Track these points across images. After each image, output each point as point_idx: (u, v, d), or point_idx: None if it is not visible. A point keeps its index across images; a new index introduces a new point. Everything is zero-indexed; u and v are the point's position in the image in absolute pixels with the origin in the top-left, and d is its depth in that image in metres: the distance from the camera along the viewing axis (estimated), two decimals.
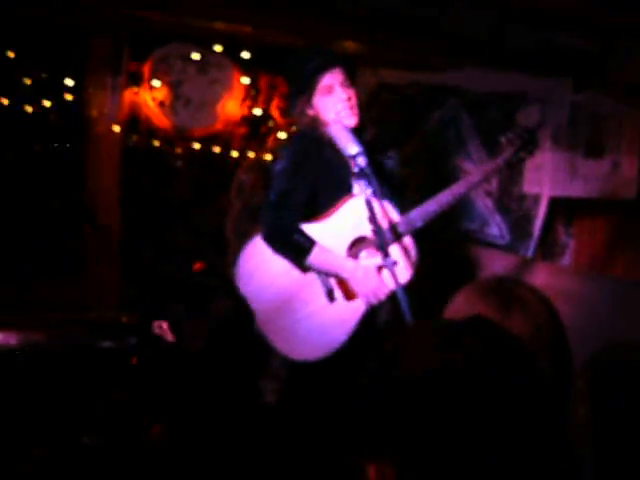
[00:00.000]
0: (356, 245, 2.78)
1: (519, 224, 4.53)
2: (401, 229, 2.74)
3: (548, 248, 4.63)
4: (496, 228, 4.58)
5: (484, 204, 4.53)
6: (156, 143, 4.12)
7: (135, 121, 4.09)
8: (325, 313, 2.75)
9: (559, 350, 1.47)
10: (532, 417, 0.87)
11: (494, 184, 4.45)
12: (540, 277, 3.52)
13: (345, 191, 2.76)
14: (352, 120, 2.73)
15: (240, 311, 2.64)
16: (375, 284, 2.70)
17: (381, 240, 2.33)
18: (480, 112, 4.50)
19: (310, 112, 2.79)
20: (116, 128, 4.01)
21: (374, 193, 2.44)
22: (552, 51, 3.84)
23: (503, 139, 2.93)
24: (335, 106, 2.73)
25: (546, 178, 3.97)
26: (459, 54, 3.90)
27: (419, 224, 2.76)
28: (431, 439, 0.84)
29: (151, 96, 4.06)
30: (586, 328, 3.00)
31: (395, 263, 2.45)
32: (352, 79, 2.80)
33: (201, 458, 2.41)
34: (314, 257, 2.70)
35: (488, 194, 4.64)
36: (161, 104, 4.06)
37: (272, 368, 2.92)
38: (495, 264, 3.78)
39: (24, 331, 3.48)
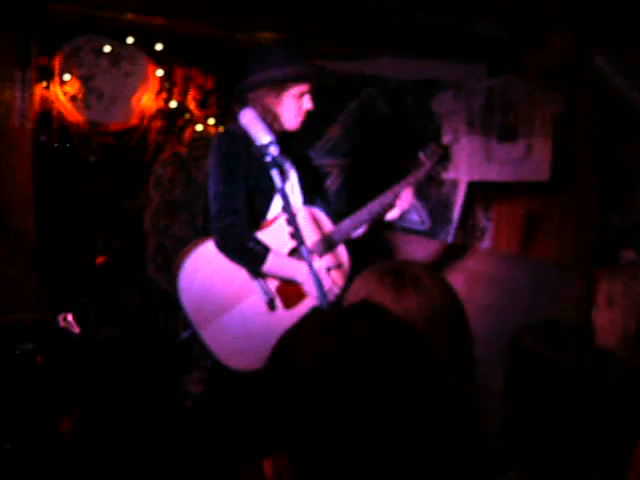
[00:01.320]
0: (293, 254, 2.85)
1: (439, 210, 4.59)
2: (335, 238, 2.90)
3: (468, 232, 4.70)
4: (416, 214, 4.62)
5: None
6: (70, 139, 4.01)
7: (47, 117, 3.97)
8: (265, 322, 2.78)
9: (456, 328, 1.49)
10: (422, 400, 0.87)
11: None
12: (461, 261, 3.57)
13: (268, 195, 2.83)
14: (302, 124, 2.87)
15: (149, 301, 2.61)
16: (328, 284, 2.79)
17: (298, 236, 2.34)
18: (396, 100, 4.53)
19: (273, 106, 2.82)
20: (27, 125, 3.89)
21: (285, 184, 2.46)
22: (465, 37, 3.90)
23: (421, 155, 3.08)
24: (298, 111, 2.83)
25: (463, 163, 4.02)
26: (373, 42, 3.92)
27: (351, 233, 2.93)
28: (322, 427, 0.83)
29: (62, 91, 3.95)
30: (507, 309, 3.07)
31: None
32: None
33: (113, 449, 2.38)
34: (270, 263, 2.74)
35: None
36: (73, 99, 3.96)
37: (196, 358, 2.91)
38: (416, 250, 3.82)
39: None
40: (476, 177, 4.07)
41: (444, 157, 3.04)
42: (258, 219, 2.85)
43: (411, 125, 4.49)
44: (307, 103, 2.84)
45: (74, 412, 2.55)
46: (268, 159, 2.41)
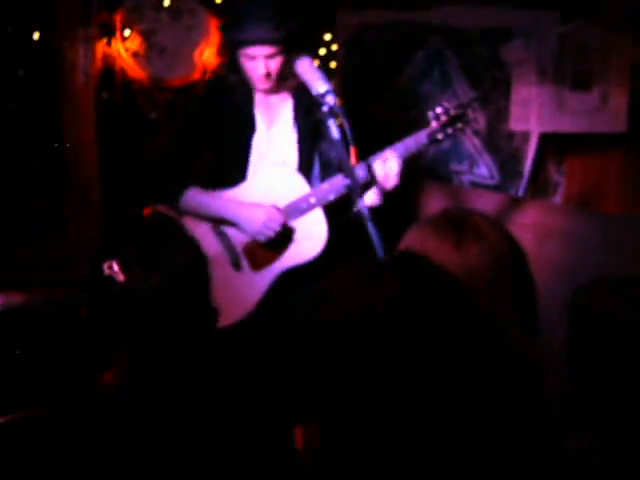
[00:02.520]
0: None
1: (509, 163, 4.43)
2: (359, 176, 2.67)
3: (539, 187, 4.54)
4: (485, 168, 4.48)
5: (472, 144, 4.43)
6: (132, 95, 4.00)
7: (109, 74, 3.96)
8: (232, 281, 2.71)
9: (520, 279, 1.39)
10: (466, 363, 0.78)
11: (482, 122, 4.34)
12: (530, 215, 3.43)
13: (244, 149, 2.76)
14: (265, 86, 2.72)
15: (194, 259, 2.58)
16: (263, 217, 2.66)
17: (353, 180, 2.26)
18: (465, 49, 4.37)
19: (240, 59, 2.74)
20: (90, 82, 3.90)
21: (343, 134, 2.35)
22: None
23: (430, 113, 2.83)
24: (252, 72, 2.70)
25: (533, 114, 3.85)
26: None
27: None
28: (354, 393, 0.75)
29: (124, 47, 3.93)
30: (577, 264, 2.94)
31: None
32: (288, 46, 2.69)
33: (156, 403, 2.38)
34: (189, 199, 2.72)
35: (476, 133, 4.53)
36: (135, 55, 3.94)
37: None
38: (484, 205, 3.69)
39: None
40: (548, 128, 3.89)
41: (456, 118, 2.80)
42: (234, 175, 2.80)
43: (479, 75, 4.32)
44: (260, 67, 2.67)
45: (117, 365, 2.57)
46: (325, 109, 2.33)
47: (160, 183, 2.81)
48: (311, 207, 2.70)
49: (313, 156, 2.80)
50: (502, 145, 4.39)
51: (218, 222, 2.75)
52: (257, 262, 2.72)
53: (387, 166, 2.63)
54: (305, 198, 2.71)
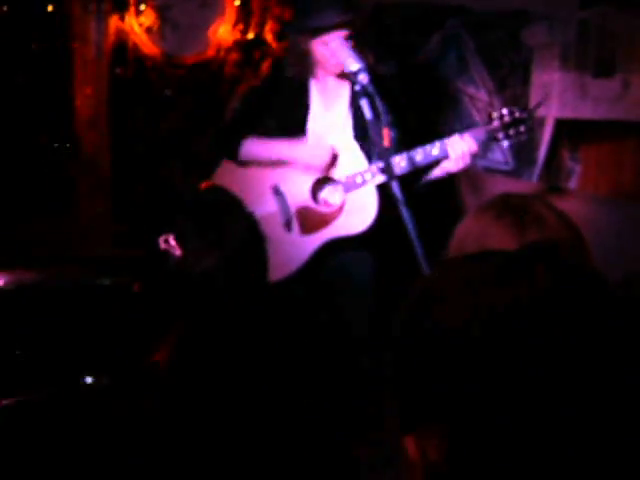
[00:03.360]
0: (319, 184, 2.80)
1: (523, 149, 4.38)
2: (404, 165, 2.67)
3: (553, 173, 4.49)
4: (500, 153, 4.43)
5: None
6: (145, 71, 3.92)
7: (122, 49, 3.88)
8: (281, 241, 2.76)
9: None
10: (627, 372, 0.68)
11: (497, 107, 4.28)
12: (555, 204, 3.37)
13: (299, 128, 2.82)
14: (336, 70, 2.74)
15: (253, 235, 2.55)
16: (325, 150, 2.73)
17: (389, 170, 2.24)
18: (483, 32, 4.30)
19: (304, 49, 2.78)
20: (103, 57, 3.82)
21: (377, 116, 2.30)
22: None
23: (495, 113, 2.82)
24: (324, 58, 2.73)
25: (554, 99, 3.79)
26: None
27: (420, 163, 2.71)
28: (492, 399, 0.68)
29: (138, 22, 3.85)
30: (601, 254, 2.87)
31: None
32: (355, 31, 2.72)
33: (208, 385, 2.33)
34: (248, 146, 2.81)
35: (488, 122, 4.48)
36: (148, 30, 3.86)
37: None
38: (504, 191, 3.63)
39: (16, 271, 3.35)
40: (568, 114, 3.83)
41: (519, 121, 2.76)
42: None
43: (498, 59, 4.26)
44: (337, 49, 2.65)
45: (170, 344, 2.52)
46: (357, 88, 2.28)
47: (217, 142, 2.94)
48: (366, 183, 2.72)
49: (366, 138, 2.76)
50: None
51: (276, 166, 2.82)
52: (307, 226, 2.77)
53: (464, 144, 2.65)
54: (361, 173, 2.73)
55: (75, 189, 3.88)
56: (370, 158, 2.77)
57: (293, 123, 2.83)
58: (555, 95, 3.78)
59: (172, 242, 2.49)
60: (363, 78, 2.27)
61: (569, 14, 3.93)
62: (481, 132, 2.74)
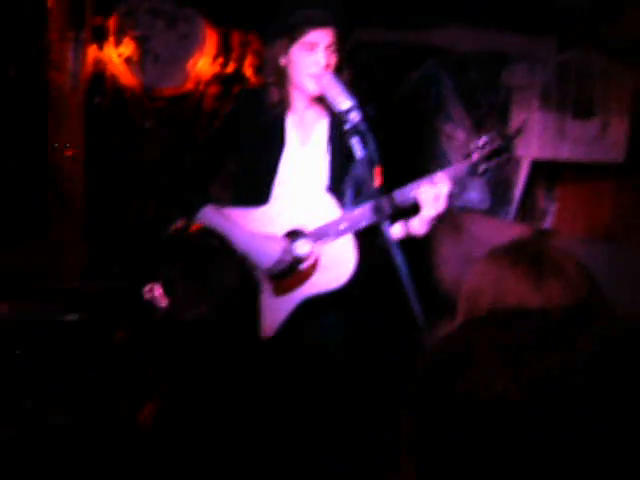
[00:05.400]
0: (290, 237, 2.58)
1: (499, 188, 4.40)
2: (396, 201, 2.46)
3: (527, 212, 4.52)
4: (476, 193, 4.44)
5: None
6: (123, 103, 3.87)
7: (100, 79, 3.83)
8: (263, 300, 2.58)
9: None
10: None
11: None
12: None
13: (271, 167, 2.59)
14: (315, 89, 2.48)
15: (245, 279, 2.44)
16: (277, 252, 2.51)
17: (381, 213, 2.17)
18: (461, 73, 4.33)
19: (282, 61, 2.53)
20: (79, 87, 3.76)
21: (368, 155, 2.23)
22: (541, 7, 3.69)
23: (472, 145, 2.58)
24: (309, 67, 2.45)
25: (533, 140, 3.82)
26: (445, 12, 3.72)
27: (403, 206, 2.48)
28: (534, 471, 0.63)
29: (117, 52, 3.80)
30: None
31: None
32: (341, 44, 2.49)
33: (196, 441, 2.24)
34: (204, 217, 2.57)
35: (467, 157, 4.50)
36: (128, 60, 3.81)
37: None
38: (488, 233, 3.63)
39: None
40: (547, 155, 3.86)
41: (501, 150, 2.51)
42: (259, 193, 2.62)
43: (476, 99, 4.29)
44: (321, 58, 2.43)
45: (155, 400, 2.41)
46: (347, 126, 2.23)
47: (177, 193, 2.66)
48: (340, 233, 2.51)
49: (345, 178, 2.60)
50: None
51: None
52: (279, 287, 2.56)
53: (437, 189, 2.42)
54: (335, 223, 2.52)
55: (48, 218, 3.79)
56: (342, 204, 2.58)
57: (265, 162, 2.60)
58: (534, 136, 3.80)
59: (157, 292, 2.35)
60: (354, 116, 2.22)
61: (547, 56, 3.98)
62: (461, 168, 2.52)
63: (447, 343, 0.76)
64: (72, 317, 3.27)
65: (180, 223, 2.52)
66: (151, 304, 2.31)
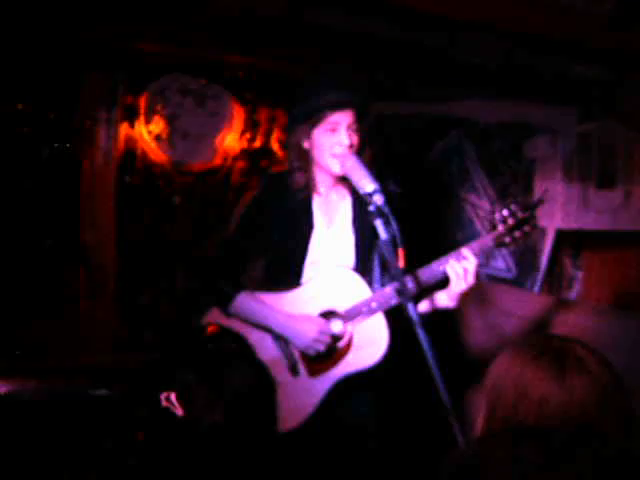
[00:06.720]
0: (325, 317, 2.59)
1: (525, 257, 4.42)
2: (422, 279, 2.49)
3: (555, 281, 4.52)
4: (502, 261, 4.46)
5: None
6: (153, 179, 3.97)
7: (131, 156, 3.94)
8: (290, 387, 2.57)
9: (624, 410, 1.32)
10: None
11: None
12: (566, 316, 3.35)
13: (302, 250, 2.61)
14: (339, 169, 2.51)
15: (261, 382, 2.43)
16: (313, 332, 2.53)
17: (404, 292, 2.19)
18: (484, 143, 4.40)
19: (306, 144, 2.58)
20: (111, 164, 3.87)
21: (392, 236, 2.26)
22: (560, 79, 3.75)
23: (497, 216, 2.58)
24: (332, 147, 2.51)
25: (557, 210, 3.85)
26: (466, 84, 3.80)
27: (426, 283, 2.51)
28: None
29: (147, 130, 3.92)
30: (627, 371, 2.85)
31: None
32: (361, 123, 2.54)
33: None
34: (238, 304, 2.56)
35: (492, 229, 4.53)
36: (157, 138, 3.92)
37: None
38: (514, 304, 3.63)
39: (14, 379, 3.30)
40: (572, 225, 3.88)
41: (525, 221, 2.53)
42: (290, 276, 2.64)
43: (498, 169, 4.35)
44: (344, 138, 2.48)
45: None
46: (371, 208, 2.27)
47: (211, 284, 2.64)
48: (372, 312, 2.53)
49: (372, 257, 2.63)
50: None
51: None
52: (315, 368, 2.57)
53: (465, 263, 2.45)
54: (366, 303, 2.53)
55: (78, 296, 3.86)
56: (370, 281, 2.60)
57: (295, 245, 2.62)
58: (558, 207, 3.83)
59: (173, 400, 2.35)
60: (378, 199, 2.25)
61: (568, 127, 4.03)
62: (487, 240, 2.53)
63: (459, 459, 0.78)
64: (102, 392, 3.31)
65: (198, 321, 2.53)
66: (168, 412, 2.31)
